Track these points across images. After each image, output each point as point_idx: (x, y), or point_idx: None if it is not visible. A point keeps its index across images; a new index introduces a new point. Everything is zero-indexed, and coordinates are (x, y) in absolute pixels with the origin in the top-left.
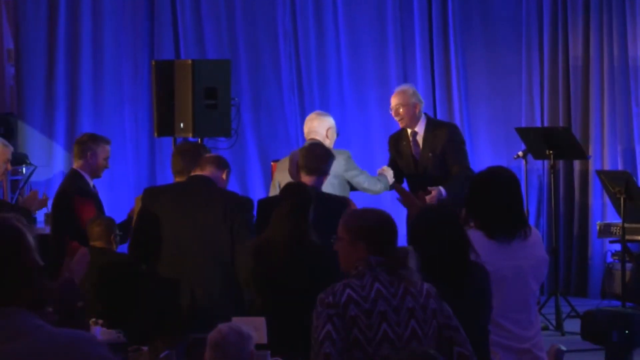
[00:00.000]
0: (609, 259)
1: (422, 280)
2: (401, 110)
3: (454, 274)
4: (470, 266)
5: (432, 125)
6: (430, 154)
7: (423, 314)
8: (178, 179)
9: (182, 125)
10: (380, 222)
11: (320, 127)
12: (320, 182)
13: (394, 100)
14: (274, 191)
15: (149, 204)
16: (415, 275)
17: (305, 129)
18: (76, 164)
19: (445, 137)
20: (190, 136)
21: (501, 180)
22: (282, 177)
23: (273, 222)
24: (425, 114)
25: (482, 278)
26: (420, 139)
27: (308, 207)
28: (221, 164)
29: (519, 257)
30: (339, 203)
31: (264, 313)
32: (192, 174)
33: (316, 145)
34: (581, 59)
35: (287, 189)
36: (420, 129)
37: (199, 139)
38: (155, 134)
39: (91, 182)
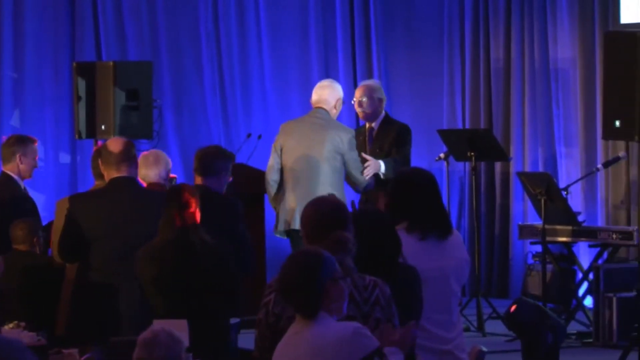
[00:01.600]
0: (530, 260)
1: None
2: (364, 102)
3: (382, 276)
4: (399, 269)
5: (387, 122)
6: (378, 150)
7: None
8: (99, 183)
9: (103, 127)
10: (311, 212)
11: (331, 96)
12: (215, 182)
13: (358, 93)
14: (275, 155)
15: (76, 208)
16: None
17: (315, 97)
18: (6, 167)
19: (394, 133)
20: (111, 138)
21: (420, 182)
22: (284, 140)
23: (161, 225)
24: (386, 112)
25: (411, 281)
26: (374, 134)
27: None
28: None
29: (440, 258)
30: (227, 204)
31: (166, 316)
32: (113, 176)
33: (211, 147)
34: (502, 61)
35: (172, 191)
36: (376, 125)
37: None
38: (77, 136)
39: (22, 184)
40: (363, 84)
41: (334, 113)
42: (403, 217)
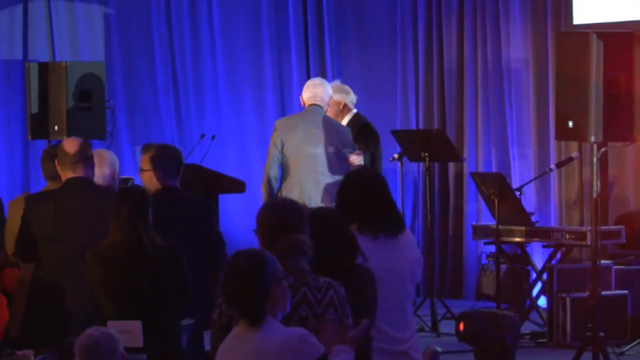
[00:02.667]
0: (484, 261)
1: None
2: (327, 103)
3: (336, 276)
4: (353, 269)
5: (354, 121)
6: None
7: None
8: (50, 184)
9: (56, 127)
10: (266, 215)
11: (325, 94)
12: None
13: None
14: (276, 152)
15: (30, 210)
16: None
17: (308, 94)
18: None
19: (354, 132)
20: (64, 138)
21: (367, 182)
22: (285, 136)
23: (112, 226)
24: (357, 112)
25: (365, 282)
26: None
27: (146, 209)
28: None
29: (394, 258)
30: (198, 205)
31: (115, 318)
32: (69, 176)
33: (172, 148)
34: (455, 62)
35: (123, 193)
36: (345, 122)
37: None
38: (29, 137)
39: None
40: (330, 85)
41: (326, 110)
42: (353, 218)
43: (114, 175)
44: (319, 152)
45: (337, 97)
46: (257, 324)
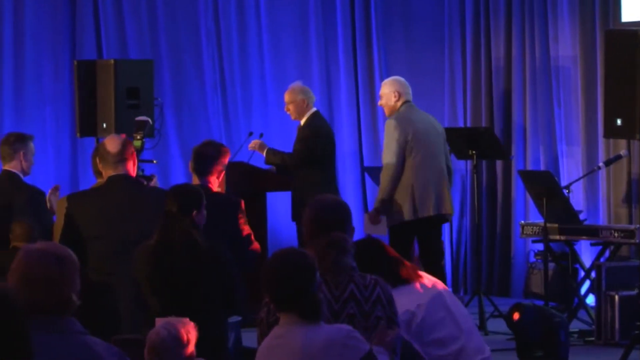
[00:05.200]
0: (532, 259)
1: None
2: (290, 107)
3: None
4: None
5: (310, 120)
6: (296, 142)
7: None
8: (100, 181)
9: (104, 125)
10: (310, 213)
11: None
12: (214, 181)
13: (285, 97)
14: (400, 150)
15: (74, 209)
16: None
17: (406, 89)
18: (7, 165)
19: (306, 132)
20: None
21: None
22: (413, 130)
23: (159, 224)
24: (316, 111)
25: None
26: (300, 129)
27: (194, 208)
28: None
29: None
30: (228, 203)
31: (162, 315)
32: (111, 174)
33: (208, 145)
34: (503, 60)
35: (172, 190)
36: (303, 120)
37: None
38: (78, 134)
39: None
40: (288, 88)
41: (394, 103)
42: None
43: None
44: (437, 145)
45: (301, 96)
46: (316, 321)
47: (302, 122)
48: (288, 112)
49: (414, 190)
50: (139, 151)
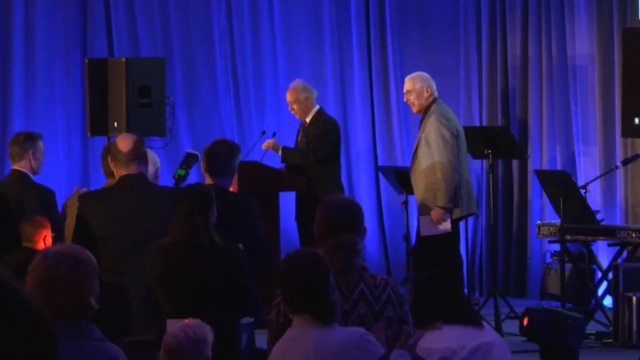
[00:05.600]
0: (548, 259)
1: None
2: (294, 106)
3: None
4: None
5: (318, 116)
6: (304, 140)
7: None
8: (110, 181)
9: (115, 124)
10: (322, 212)
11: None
12: (226, 182)
13: (287, 97)
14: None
15: (86, 209)
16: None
17: (433, 85)
18: (17, 165)
19: (319, 129)
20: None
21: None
22: (459, 126)
23: (172, 224)
24: (320, 107)
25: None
26: (306, 127)
27: (208, 208)
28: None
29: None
30: (243, 203)
31: (173, 316)
32: (123, 174)
33: (220, 144)
34: (519, 59)
35: (185, 190)
36: (309, 118)
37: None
38: (89, 133)
39: None
40: (290, 87)
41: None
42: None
43: (156, 173)
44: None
45: (304, 94)
46: (331, 322)
47: (308, 119)
48: (292, 112)
49: (461, 187)
50: (180, 180)
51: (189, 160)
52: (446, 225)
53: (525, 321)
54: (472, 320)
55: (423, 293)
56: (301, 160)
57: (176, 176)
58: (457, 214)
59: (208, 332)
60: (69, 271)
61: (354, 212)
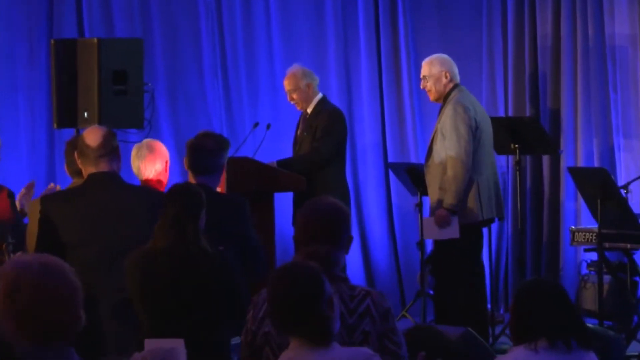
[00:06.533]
0: (584, 270)
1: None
2: (294, 95)
3: None
4: None
5: (321, 105)
6: (305, 133)
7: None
8: (77, 180)
9: (86, 114)
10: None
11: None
12: (214, 180)
13: (285, 85)
14: (472, 135)
15: (50, 212)
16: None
17: (456, 69)
18: None
19: (323, 120)
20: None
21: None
22: (478, 117)
23: (156, 229)
24: (323, 95)
25: None
26: (307, 118)
27: (198, 212)
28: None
29: None
30: (233, 204)
31: (153, 334)
32: (92, 172)
33: (206, 138)
34: (550, 39)
35: (172, 191)
36: (310, 108)
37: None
38: (55, 125)
39: None
40: (287, 73)
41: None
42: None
43: (166, 168)
44: (491, 136)
45: (305, 81)
46: (326, 344)
47: (310, 109)
48: (292, 102)
49: (479, 187)
50: None
51: None
52: (453, 231)
53: None
54: (582, 342)
55: (527, 302)
56: (306, 165)
57: None
58: (475, 216)
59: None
60: (60, 284)
61: (333, 220)
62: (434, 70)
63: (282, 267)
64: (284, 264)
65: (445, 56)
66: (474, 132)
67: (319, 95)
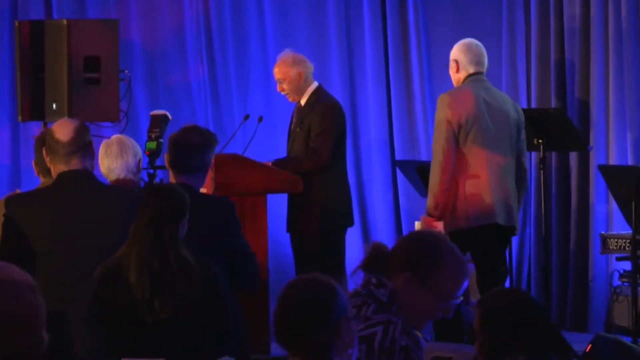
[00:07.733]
0: (616, 282)
1: None
2: (284, 86)
3: None
4: None
5: (315, 97)
6: (298, 129)
7: None
8: (46, 180)
9: (54, 106)
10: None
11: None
12: (197, 181)
13: (275, 74)
14: (454, 137)
15: (15, 215)
16: None
17: (477, 58)
18: None
19: (317, 116)
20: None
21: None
22: (473, 116)
23: (130, 236)
24: (318, 85)
25: None
26: (300, 109)
27: (179, 216)
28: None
29: None
30: (219, 207)
31: (132, 356)
32: (62, 170)
33: (190, 132)
34: (579, 20)
35: (150, 193)
36: (304, 99)
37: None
38: (19, 118)
39: None
40: (277, 61)
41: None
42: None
43: (138, 166)
44: (504, 137)
45: (296, 69)
46: None
47: (303, 101)
48: (283, 93)
49: (465, 189)
50: (154, 155)
51: (156, 125)
52: None
53: (589, 348)
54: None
55: (498, 318)
56: (305, 166)
57: (147, 152)
58: (455, 224)
59: None
60: (18, 306)
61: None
62: (458, 56)
63: (297, 277)
64: (298, 277)
65: (464, 42)
66: (458, 129)
67: (314, 85)
